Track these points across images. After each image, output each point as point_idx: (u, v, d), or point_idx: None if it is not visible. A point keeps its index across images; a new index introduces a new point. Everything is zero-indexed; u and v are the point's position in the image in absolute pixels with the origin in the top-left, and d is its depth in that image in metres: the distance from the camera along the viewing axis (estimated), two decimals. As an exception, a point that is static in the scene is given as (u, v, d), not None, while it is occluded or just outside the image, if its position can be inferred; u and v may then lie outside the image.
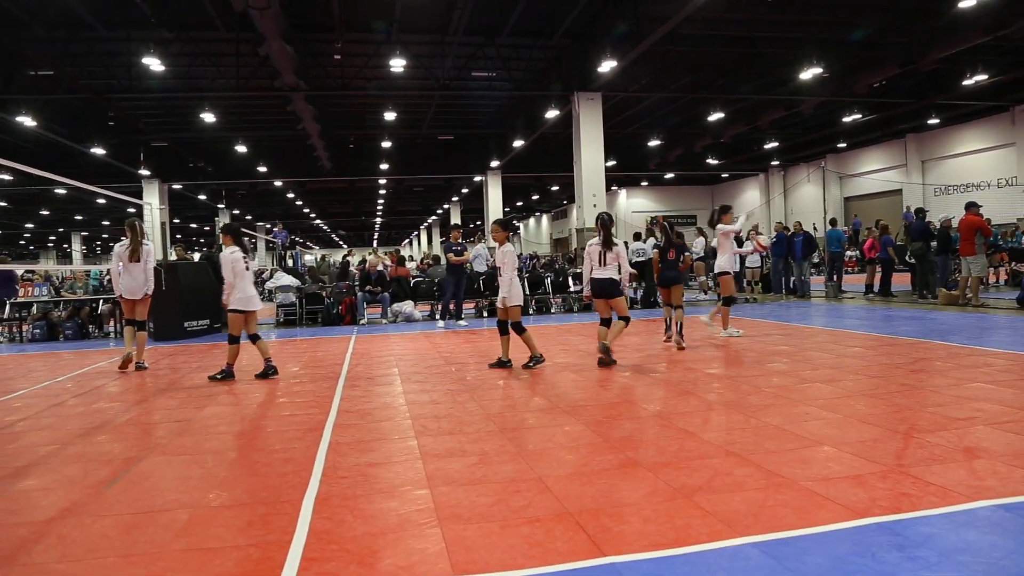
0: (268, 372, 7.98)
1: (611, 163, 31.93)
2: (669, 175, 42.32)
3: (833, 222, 19.00)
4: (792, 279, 17.80)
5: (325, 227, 67.71)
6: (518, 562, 2.91)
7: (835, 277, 17.21)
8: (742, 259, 17.11)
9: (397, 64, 18.07)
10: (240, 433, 5.42)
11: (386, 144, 29.02)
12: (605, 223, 7.98)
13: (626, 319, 7.77)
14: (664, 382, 6.71)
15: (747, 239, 16.28)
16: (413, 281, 15.97)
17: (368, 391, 6.89)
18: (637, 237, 17.53)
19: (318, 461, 4.48)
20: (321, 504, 3.69)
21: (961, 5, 15.79)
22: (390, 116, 23.96)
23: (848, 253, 25.38)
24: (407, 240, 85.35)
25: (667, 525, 3.20)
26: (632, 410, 5.60)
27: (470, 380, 7.28)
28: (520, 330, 7.85)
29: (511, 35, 19.34)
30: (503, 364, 7.99)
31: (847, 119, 28.24)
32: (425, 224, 68.14)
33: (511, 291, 7.84)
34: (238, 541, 3.27)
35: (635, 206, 48.82)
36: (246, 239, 10.37)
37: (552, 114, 23.32)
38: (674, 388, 6.39)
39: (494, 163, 33.10)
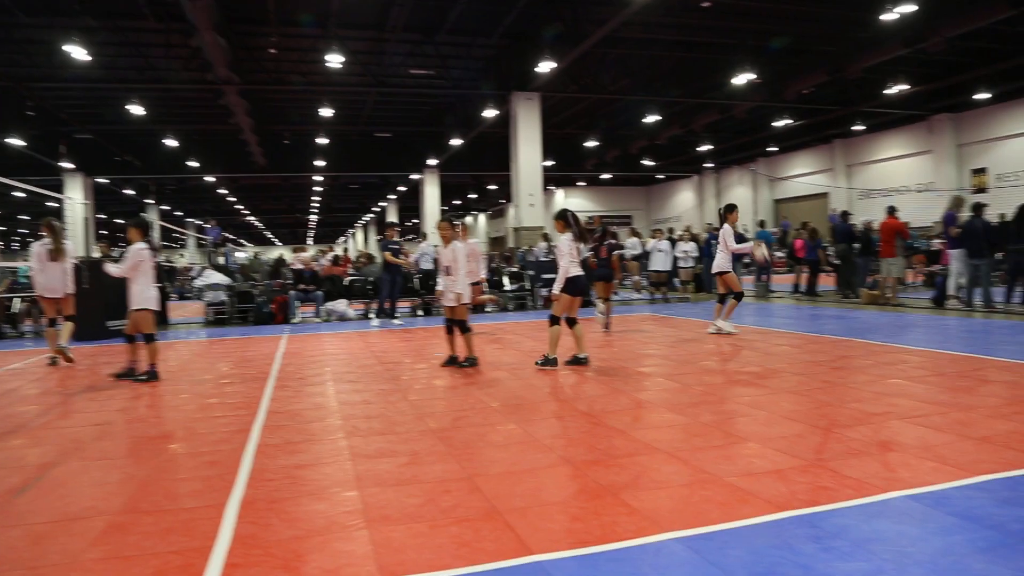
0: (139, 377, 7.62)
1: (549, 163, 32.10)
2: (606, 176, 42.82)
3: (763, 223, 19.54)
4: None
5: (258, 224, 66.27)
6: (446, 562, 2.90)
7: (764, 277, 17.68)
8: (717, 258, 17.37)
9: (334, 60, 17.80)
10: (164, 436, 5.26)
11: (322, 140, 28.61)
12: (577, 218, 7.69)
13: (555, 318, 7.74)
14: (597, 381, 6.79)
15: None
16: (348, 279, 15.76)
17: (298, 391, 6.78)
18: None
19: (244, 464, 4.38)
20: (246, 508, 3.61)
21: (884, 18, 16.41)
22: (326, 112, 23.59)
23: (777, 254, 26.09)
24: (343, 238, 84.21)
25: (594, 523, 3.23)
26: (564, 409, 5.64)
27: (404, 380, 7.23)
28: (466, 329, 7.85)
29: (450, 33, 19.27)
30: (470, 362, 7.92)
31: (778, 124, 29.07)
32: (361, 222, 67.39)
33: (464, 288, 7.81)
34: (158, 548, 3.17)
35: (572, 206, 48.73)
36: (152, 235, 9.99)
37: (490, 113, 23.32)
38: (606, 387, 6.47)
39: (432, 161, 32.94)
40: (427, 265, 15.98)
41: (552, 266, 15.85)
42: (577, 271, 7.57)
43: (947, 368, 6.86)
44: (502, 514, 3.38)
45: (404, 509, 3.51)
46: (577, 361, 7.71)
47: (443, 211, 36.83)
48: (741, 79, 20.96)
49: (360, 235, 71.35)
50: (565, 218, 7.63)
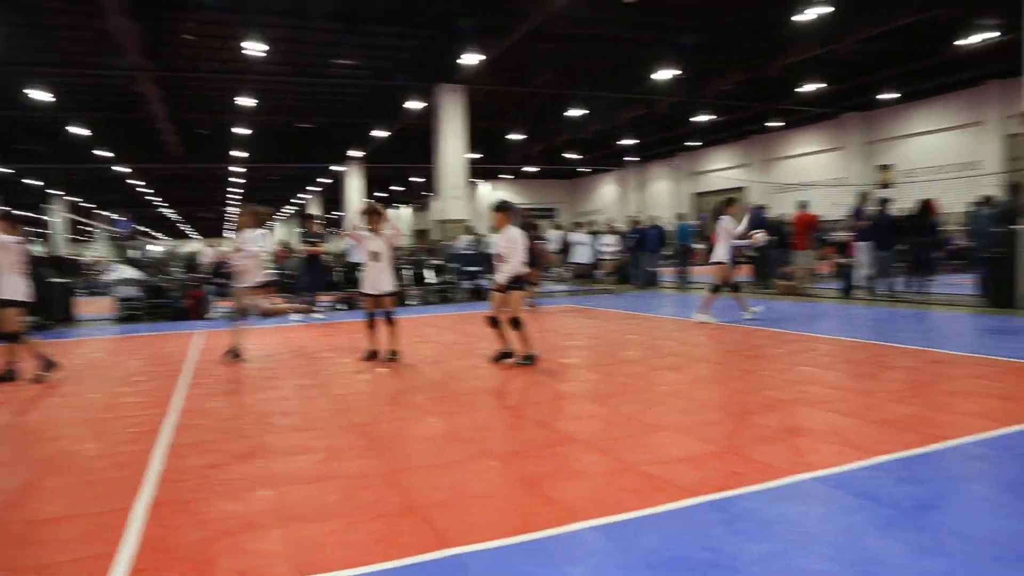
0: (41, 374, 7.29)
1: (474, 156, 32.04)
2: (531, 169, 43.02)
3: (682, 217, 19.96)
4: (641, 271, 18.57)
5: (174, 216, 64.01)
6: (362, 559, 2.87)
7: (684, 269, 18.10)
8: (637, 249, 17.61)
9: (253, 47, 17.28)
10: (67, 438, 5.03)
11: (242, 130, 27.79)
12: (516, 209, 7.32)
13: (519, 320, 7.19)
14: (520, 372, 6.82)
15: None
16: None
17: (213, 389, 6.58)
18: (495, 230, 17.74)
19: (153, 465, 4.22)
20: (155, 511, 3.48)
21: (800, 18, 16.96)
22: (246, 101, 22.93)
23: (696, 246, 26.73)
24: (263, 230, 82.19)
25: (513, 514, 3.25)
26: (487, 401, 5.65)
27: (323, 375, 7.11)
28: (391, 321, 7.77)
29: (374, 23, 18.97)
30: (373, 356, 7.82)
31: (699, 119, 29.78)
32: (283, 214, 65.87)
33: (389, 280, 7.68)
34: (57, 558, 3.03)
35: (497, 199, 49.24)
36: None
37: (415, 105, 23.12)
38: (529, 379, 6.51)
39: (355, 153, 32.47)
40: (357, 258, 15.72)
41: (477, 259, 15.84)
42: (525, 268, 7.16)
43: (853, 355, 7.17)
44: (421, 508, 3.36)
45: (320, 506, 3.45)
46: (505, 356, 7.62)
47: (369, 200, 36.34)
48: (664, 75, 21.35)
49: (281, 228, 69.74)
50: (510, 209, 7.23)
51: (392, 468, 3.98)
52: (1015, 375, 5.88)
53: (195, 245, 35.84)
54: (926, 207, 13.44)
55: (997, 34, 19.20)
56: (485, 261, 16.16)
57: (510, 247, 7.02)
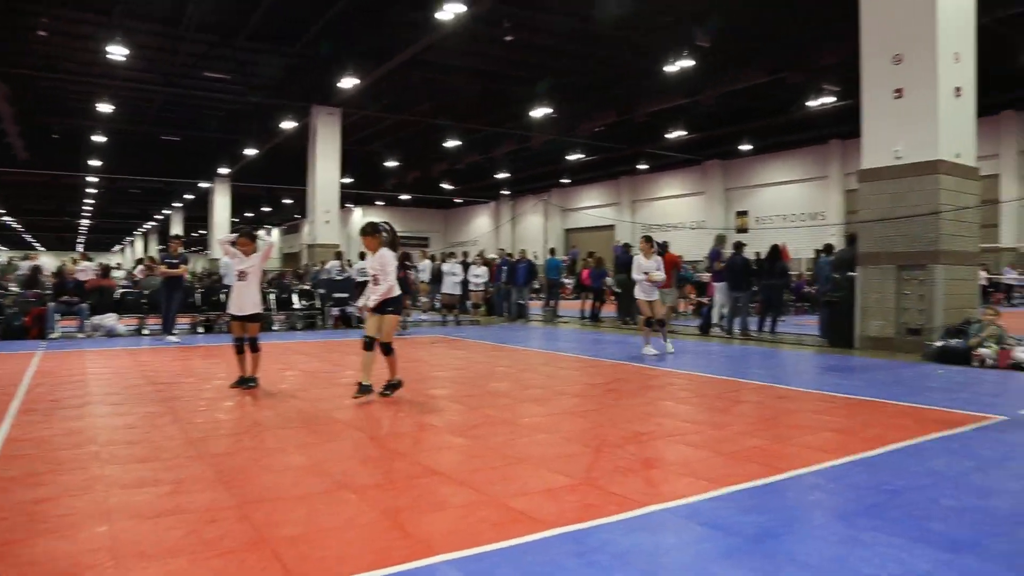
0: None
1: (347, 180, 31.61)
2: (405, 196, 42.90)
3: (552, 251, 20.44)
4: (511, 303, 18.82)
5: (16, 225, 59.07)
6: (203, 599, 2.70)
7: (552, 303, 18.49)
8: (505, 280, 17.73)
9: (117, 51, 16.35)
10: None
11: (99, 138, 26.14)
12: (391, 229, 7.01)
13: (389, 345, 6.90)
14: (383, 404, 6.70)
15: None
16: (119, 292, 14.44)
17: (48, 416, 6.06)
18: (363, 256, 17.49)
19: (-31, 498, 3.82)
20: (-34, 550, 3.14)
21: (667, 69, 17.93)
22: (105, 107, 21.61)
23: (565, 281, 27.45)
24: (120, 246, 77.39)
25: (367, 548, 3.16)
26: (347, 432, 5.51)
27: (176, 402, 6.71)
28: (256, 347, 7.39)
29: (249, 38, 18.45)
30: (248, 383, 7.41)
31: (571, 157, 30.73)
32: (142, 230, 62.34)
33: (256, 301, 7.33)
34: None
35: (371, 226, 48.69)
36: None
37: (289, 125, 22.60)
38: (392, 410, 6.41)
39: (223, 170, 31.26)
40: (231, 281, 15.05)
41: (345, 285, 15.54)
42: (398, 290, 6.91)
43: (707, 390, 7.53)
44: (272, 543, 3.21)
45: (162, 543, 3.23)
46: (394, 387, 7.07)
47: (233, 224, 34.97)
48: (538, 112, 21.93)
49: (140, 244, 65.93)
50: (380, 231, 6.87)
51: (243, 501, 3.79)
52: (849, 410, 6.36)
53: (44, 259, 33.11)
54: (776, 252, 14.41)
55: (834, 99, 21.12)
56: (354, 287, 15.89)
57: (382, 269, 6.78)
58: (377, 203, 47.50)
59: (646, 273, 10.72)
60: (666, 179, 37.28)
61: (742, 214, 33.76)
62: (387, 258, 6.81)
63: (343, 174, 23.82)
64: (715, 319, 14.35)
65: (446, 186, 39.45)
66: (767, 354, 11.20)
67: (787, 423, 5.84)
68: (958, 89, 10.52)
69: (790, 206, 31.97)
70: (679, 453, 4.83)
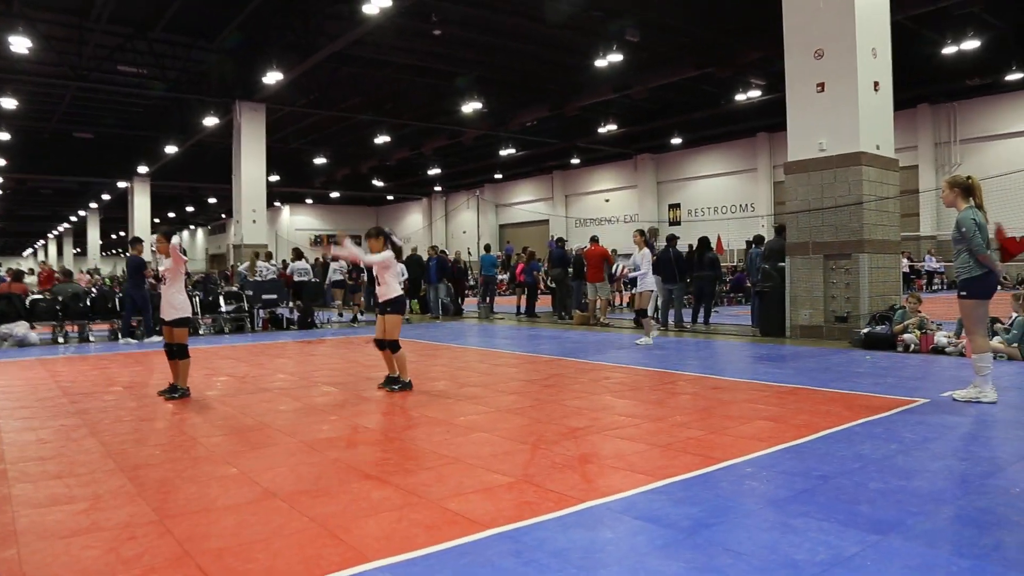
0: None
1: (275, 178, 31.01)
2: (335, 194, 42.32)
3: (487, 248, 20.44)
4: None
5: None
6: (121, 620, 2.59)
7: (488, 299, 18.49)
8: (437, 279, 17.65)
9: (20, 43, 15.58)
10: None
11: (3, 135, 24.92)
12: (371, 234, 7.46)
13: (397, 343, 7.29)
14: (314, 407, 6.58)
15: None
16: (30, 299, 13.80)
17: (-48, 431, 5.73)
18: (299, 256, 17.19)
19: None
20: None
21: (597, 63, 18.12)
22: (8, 103, 20.60)
23: (500, 277, 27.48)
24: (31, 250, 74.14)
25: (297, 557, 3.09)
26: (278, 438, 5.38)
27: (93, 413, 6.44)
28: (184, 354, 7.12)
29: (167, 31, 17.85)
30: (175, 392, 7.10)
31: (503, 152, 30.76)
32: (55, 232, 59.82)
33: (179, 305, 7.07)
34: None
35: (299, 223, 48.02)
36: None
37: (211, 121, 21.97)
38: (323, 412, 6.30)
39: (142, 169, 30.22)
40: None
41: (275, 287, 15.22)
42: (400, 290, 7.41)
43: (643, 383, 7.64)
44: (195, 558, 3.10)
45: (77, 564, 3.09)
46: (392, 382, 7.41)
47: (154, 224, 33.88)
48: (469, 107, 21.88)
49: (53, 247, 63.27)
50: (383, 234, 7.44)
51: (166, 515, 3.66)
52: (781, 398, 6.54)
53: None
54: (705, 243, 14.70)
55: (760, 93, 21.73)
56: (283, 289, 15.57)
57: (387, 270, 7.25)
58: (306, 201, 46.74)
59: (636, 265, 11.27)
60: (598, 173, 37.72)
61: (674, 207, 34.42)
62: (391, 259, 7.28)
63: (270, 172, 23.33)
64: (650, 312, 14.57)
65: (377, 183, 39.02)
66: (701, 345, 11.44)
67: (721, 413, 5.96)
68: (876, 83, 10.93)
69: (721, 198, 32.76)
70: (615, 447, 4.88)
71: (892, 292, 11.20)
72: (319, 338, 13.51)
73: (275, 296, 15.22)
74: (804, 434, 5.09)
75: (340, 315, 17.64)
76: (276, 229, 43.92)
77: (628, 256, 12.08)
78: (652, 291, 11.54)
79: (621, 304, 21.39)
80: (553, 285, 17.60)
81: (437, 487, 4.04)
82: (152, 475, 4.41)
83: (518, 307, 18.27)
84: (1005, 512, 3.55)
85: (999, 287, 6.47)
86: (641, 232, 11.60)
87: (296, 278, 16.11)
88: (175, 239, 7.06)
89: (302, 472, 4.42)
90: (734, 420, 5.69)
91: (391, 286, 7.30)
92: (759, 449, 4.71)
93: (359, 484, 4.12)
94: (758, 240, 15.19)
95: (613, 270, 14.11)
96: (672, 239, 14.32)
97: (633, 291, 11.32)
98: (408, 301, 17.90)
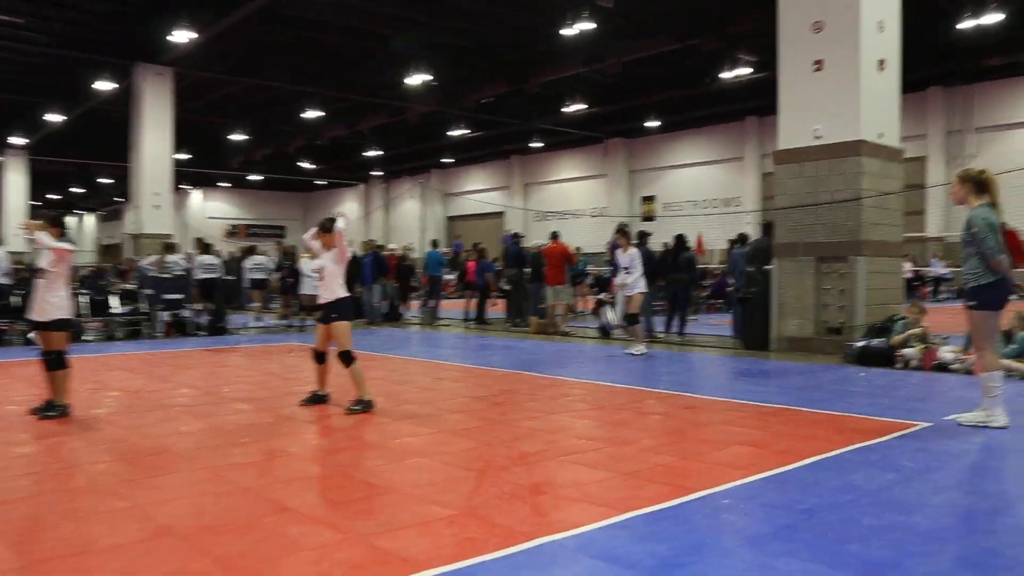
0: None
1: (183, 156, 30.50)
2: (256, 177, 41.78)
3: (434, 243, 20.40)
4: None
5: None
6: None
7: (432, 302, 18.44)
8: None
9: None
10: None
11: None
12: (325, 227, 7.36)
13: (349, 354, 7.17)
14: (224, 427, 6.49)
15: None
16: None
17: None
18: (206, 248, 16.92)
19: None
20: None
21: (564, 32, 18.19)
22: None
23: (447, 277, 27.44)
24: None
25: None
26: (180, 465, 5.29)
27: (-48, 432, 6.25)
28: (63, 364, 6.84)
29: (50, -24, 17.42)
30: (51, 410, 6.84)
31: (454, 133, 30.71)
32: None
33: (59, 305, 6.84)
34: None
35: (212, 211, 47.36)
36: None
37: (106, 86, 21.51)
38: (233, 434, 6.22)
39: (17, 140, 29.42)
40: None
41: (180, 284, 14.96)
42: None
43: (607, 401, 7.70)
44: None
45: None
46: (318, 400, 7.41)
47: (32, 208, 33.01)
48: (416, 79, 21.79)
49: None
50: (327, 227, 7.33)
51: (34, 559, 3.56)
52: (763, 420, 6.64)
53: None
54: (681, 242, 14.84)
55: (750, 71, 22.07)
56: (190, 287, 15.31)
57: (332, 268, 7.18)
58: (221, 184, 46.04)
59: (624, 268, 11.64)
60: (563, 159, 37.93)
61: (648, 199, 34.80)
62: (337, 258, 7.20)
63: (178, 149, 22.91)
64: (617, 320, 14.69)
65: (306, 165, 38.65)
66: (675, 358, 11.56)
67: (695, 437, 6.04)
68: (882, 62, 11.17)
69: (702, 191, 33.20)
70: (573, 475, 4.91)
71: (892, 300, 11.46)
72: (232, 346, 13.32)
73: (180, 296, 14.94)
74: (788, 461, 5.18)
75: (258, 319, 17.42)
76: (184, 217, 43.27)
77: (612, 258, 12.58)
78: (645, 293, 11.87)
79: (584, 311, 21.53)
80: (508, 287, 17.63)
81: (366, 521, 4.01)
82: (17, 512, 4.28)
83: (467, 312, 18.25)
84: (1015, 554, 3.65)
85: (1013, 296, 6.60)
86: (623, 231, 11.95)
87: (201, 275, 15.86)
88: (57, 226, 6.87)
89: (206, 504, 4.35)
90: (709, 444, 5.76)
91: (334, 287, 7.20)
92: (737, 478, 4.78)
93: (274, 518, 4.06)
94: (742, 239, 15.45)
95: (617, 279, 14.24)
96: (644, 236, 14.46)
97: (604, 296, 11.51)
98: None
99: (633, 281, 11.59)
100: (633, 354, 11.42)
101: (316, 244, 7.42)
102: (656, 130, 32.39)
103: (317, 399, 7.38)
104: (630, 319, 11.80)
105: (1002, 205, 6.35)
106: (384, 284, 18.27)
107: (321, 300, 7.34)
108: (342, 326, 7.22)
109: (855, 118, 10.92)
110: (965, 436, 6.03)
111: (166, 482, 4.81)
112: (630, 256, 11.68)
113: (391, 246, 21.00)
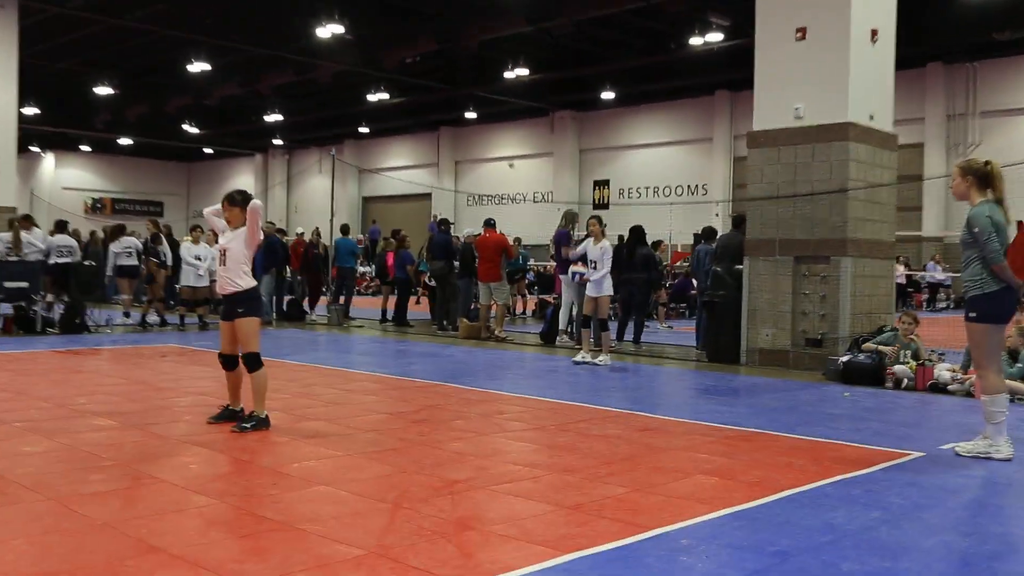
0: None
1: (32, 110, 29.72)
2: (126, 141, 40.87)
3: (345, 229, 20.23)
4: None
5: None
6: None
7: (342, 299, 18.28)
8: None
9: None
10: None
11: None
12: (235, 200, 7.12)
13: (256, 357, 7.02)
14: (81, 447, 6.32)
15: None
16: None
17: None
18: (60, 227, 16.50)
19: None
20: None
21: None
22: None
23: (362, 269, 27.28)
24: None
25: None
26: (22, 496, 5.13)
27: None
28: None
29: None
30: None
31: (373, 98, 30.50)
32: None
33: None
34: None
35: (68, 179, 46.15)
36: None
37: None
38: (97, 457, 6.07)
39: None
40: None
41: (25, 270, 14.54)
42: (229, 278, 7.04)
43: (548, 420, 7.72)
44: None
45: None
46: (232, 415, 7.15)
47: None
48: (327, 31, 21.56)
49: None
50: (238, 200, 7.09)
51: None
52: (730, 445, 6.71)
53: None
54: (638, 235, 14.93)
55: (722, 37, 22.32)
56: (38, 274, 14.88)
57: (239, 252, 6.99)
58: (82, 148, 44.93)
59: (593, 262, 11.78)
60: (502, 134, 37.99)
61: (601, 184, 35.03)
62: (245, 238, 6.99)
63: (24, 102, 22.29)
64: (562, 324, 14.75)
65: (190, 129, 37.96)
66: (629, 372, 11.65)
67: (651, 464, 6.07)
68: (874, 32, 11.41)
69: (664, 176, 33.59)
70: (507, 508, 4.89)
71: (882, 309, 11.72)
72: (92, 348, 13.01)
73: (24, 284, 14.49)
74: (759, 494, 5.24)
75: (127, 315, 17.04)
76: (32, 186, 42.14)
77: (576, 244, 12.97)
78: (611, 295, 12.11)
79: (524, 312, 21.58)
80: (433, 283, 17.56)
81: (254, 563, 3.93)
82: None
83: (384, 311, 18.15)
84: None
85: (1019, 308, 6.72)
86: (599, 220, 12.13)
87: (55, 259, 15.45)
88: None
89: (52, 545, 4.21)
90: (667, 473, 5.80)
91: (240, 275, 7.00)
92: (699, 513, 4.82)
93: (138, 561, 3.95)
94: (709, 234, 15.61)
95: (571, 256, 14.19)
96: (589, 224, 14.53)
97: (594, 294, 11.76)
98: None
99: (600, 279, 11.69)
100: (596, 364, 11.56)
101: (219, 222, 7.20)
102: (612, 103, 32.63)
103: (230, 415, 7.16)
104: (596, 324, 11.85)
105: (1008, 202, 6.45)
106: (283, 276, 18.03)
107: (223, 291, 7.13)
108: (249, 323, 7.02)
109: (842, 96, 11.12)
110: (963, 468, 6.17)
111: (5, 516, 4.65)
112: (601, 248, 11.77)
113: (298, 230, 20.53)
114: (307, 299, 19.42)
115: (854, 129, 11.19)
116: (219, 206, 7.19)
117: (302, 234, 20.33)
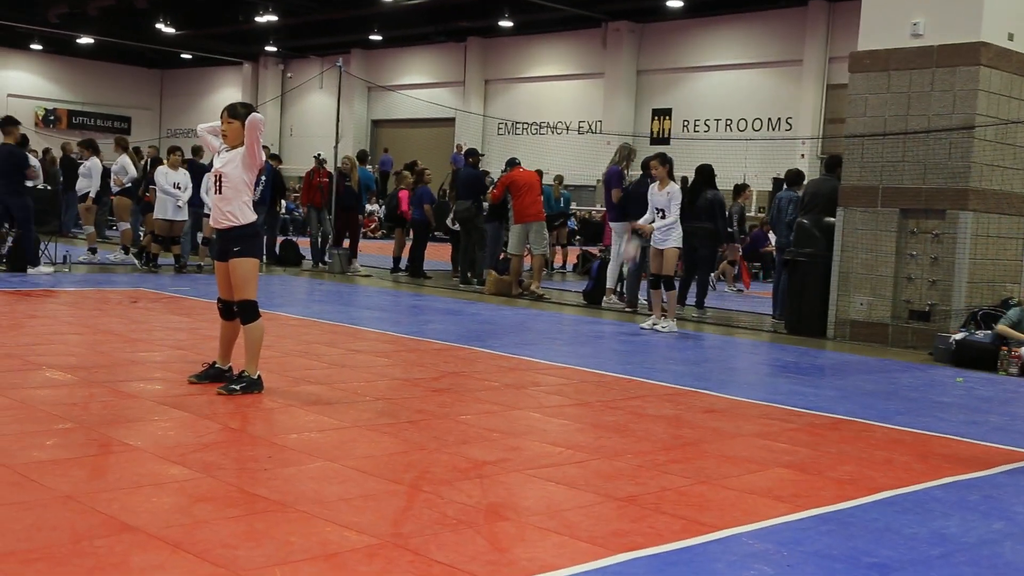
0: None
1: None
2: (87, 40, 40.85)
3: (363, 156, 20.17)
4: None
5: None
6: None
7: (346, 242, 18.32)
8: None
9: None
10: None
11: None
12: (237, 112, 7.01)
13: (252, 306, 7.03)
14: (33, 409, 6.41)
15: None
16: None
17: None
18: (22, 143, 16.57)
19: None
20: None
21: None
22: None
23: (370, 208, 27.26)
24: None
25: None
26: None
27: None
28: None
29: None
30: None
31: (388, -2, 30.21)
32: None
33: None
34: None
35: (16, 85, 46.25)
36: None
37: None
38: (52, 416, 6.15)
39: None
40: None
41: None
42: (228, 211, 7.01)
43: (593, 395, 7.75)
44: None
45: None
46: (218, 374, 7.21)
47: None
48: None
49: None
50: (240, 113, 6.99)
51: None
52: (815, 434, 6.71)
53: None
54: (706, 177, 14.73)
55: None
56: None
57: (238, 177, 6.93)
58: (33, 47, 44.98)
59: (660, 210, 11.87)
60: (544, 48, 37.68)
61: (662, 114, 34.77)
62: (241, 162, 6.92)
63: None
64: (610, 282, 14.70)
65: (164, 28, 37.88)
66: (691, 341, 11.66)
67: (719, 452, 6.08)
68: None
69: (739, 106, 33.20)
70: (546, 496, 4.91)
71: (1009, 278, 11.55)
72: (48, 289, 13.12)
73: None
74: (851, 494, 5.25)
75: (92, 251, 17.15)
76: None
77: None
78: (680, 248, 12.13)
79: (564, 266, 21.54)
80: (456, 227, 17.53)
81: (247, 548, 3.96)
82: None
83: (397, 259, 18.17)
84: None
85: None
86: (664, 158, 12.13)
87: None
88: None
89: (6, 520, 4.26)
90: (739, 464, 5.81)
91: (239, 206, 6.99)
92: (778, 514, 4.83)
93: (111, 541, 4.00)
94: (793, 178, 15.45)
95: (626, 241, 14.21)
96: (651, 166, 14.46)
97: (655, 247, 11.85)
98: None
99: (667, 228, 11.75)
100: (658, 330, 11.65)
101: (215, 141, 7.15)
102: (679, 13, 32.25)
103: (216, 375, 7.19)
104: (660, 282, 11.86)
105: None
106: (276, 211, 18.08)
107: (217, 224, 7.10)
108: (246, 264, 6.99)
109: (975, 8, 10.89)
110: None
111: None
112: (668, 194, 11.80)
113: (318, 155, 19.89)
114: (345, 242, 18.76)
115: (988, 51, 10.96)
116: (217, 123, 7.08)
117: (324, 161, 19.43)
